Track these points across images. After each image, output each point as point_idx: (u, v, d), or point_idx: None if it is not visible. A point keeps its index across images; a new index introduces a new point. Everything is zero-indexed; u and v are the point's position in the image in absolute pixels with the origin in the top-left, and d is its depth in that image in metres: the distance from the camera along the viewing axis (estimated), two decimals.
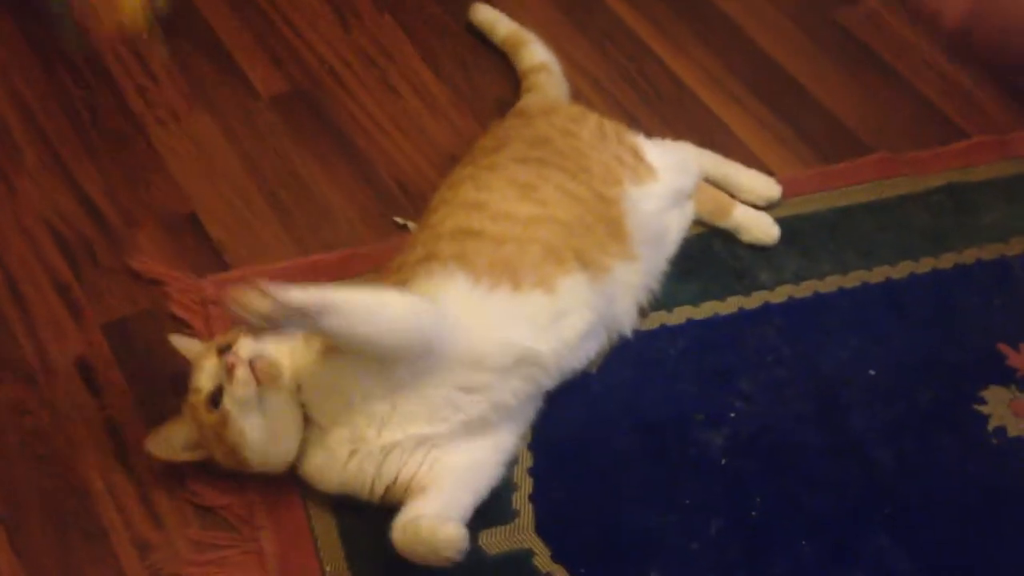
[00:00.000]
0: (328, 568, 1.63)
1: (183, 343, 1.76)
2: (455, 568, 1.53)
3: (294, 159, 2.20)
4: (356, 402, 1.63)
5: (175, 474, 1.71)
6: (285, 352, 1.67)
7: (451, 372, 1.63)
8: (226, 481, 1.69)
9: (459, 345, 1.64)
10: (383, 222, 2.10)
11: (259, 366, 1.61)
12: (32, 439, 1.76)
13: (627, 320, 1.88)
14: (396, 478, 1.63)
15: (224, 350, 1.64)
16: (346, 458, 1.63)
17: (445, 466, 1.63)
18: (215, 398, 1.62)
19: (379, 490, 1.64)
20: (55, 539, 1.66)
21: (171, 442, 1.67)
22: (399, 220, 2.10)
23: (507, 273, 1.70)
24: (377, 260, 1.98)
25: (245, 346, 1.63)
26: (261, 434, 1.62)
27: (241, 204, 2.13)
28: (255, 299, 1.44)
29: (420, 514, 1.53)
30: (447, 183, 1.94)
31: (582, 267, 1.77)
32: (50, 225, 2.08)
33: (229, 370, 1.60)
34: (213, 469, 1.68)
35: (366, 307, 1.58)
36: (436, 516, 1.51)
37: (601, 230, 1.84)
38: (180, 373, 1.74)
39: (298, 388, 1.66)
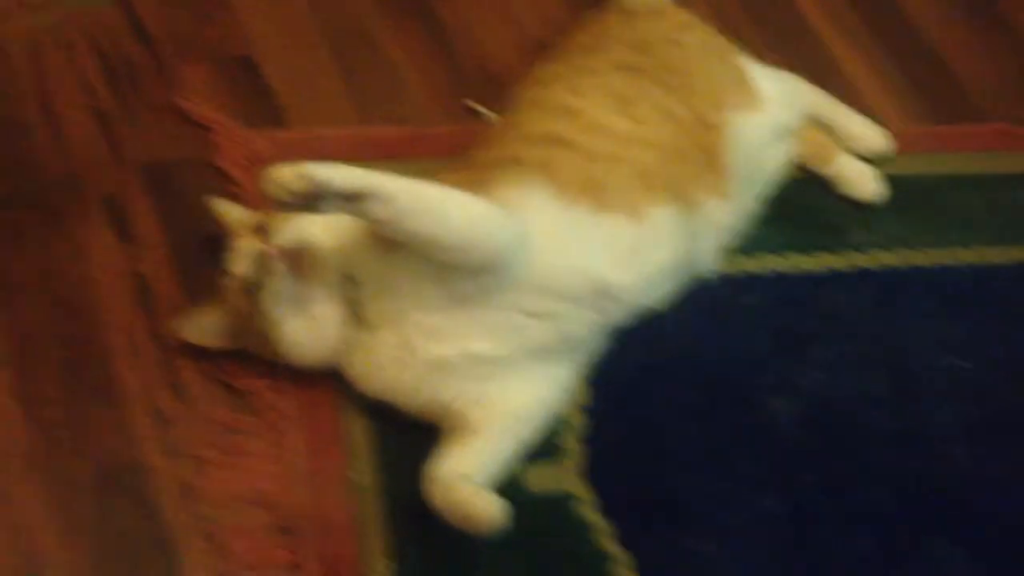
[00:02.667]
0: (356, 475, 1.50)
1: (223, 207, 1.60)
2: None
3: (369, 16, 2.01)
4: (408, 308, 1.47)
5: (203, 348, 1.56)
6: (334, 238, 1.51)
7: (519, 294, 1.48)
8: (259, 365, 1.55)
9: (532, 267, 1.48)
10: (456, 104, 1.93)
11: (297, 256, 1.46)
12: (54, 280, 1.61)
13: (709, 261, 1.73)
14: (440, 401, 1.49)
15: (263, 231, 1.48)
16: (390, 365, 1.49)
17: (496, 406, 1.49)
18: (250, 285, 1.47)
19: (418, 406, 1.50)
20: (66, 393, 1.52)
21: (203, 327, 1.53)
22: (473, 104, 1.92)
23: (594, 193, 1.54)
24: (444, 145, 1.82)
25: (286, 231, 1.48)
26: (297, 328, 1.48)
27: (305, 56, 1.94)
28: (293, 180, 1.30)
29: (459, 470, 1.40)
30: (536, 79, 1.76)
31: (673, 198, 1.62)
32: (94, 41, 1.89)
33: (264, 261, 1.45)
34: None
35: (429, 202, 1.41)
36: (475, 481, 1.38)
37: (697, 158, 1.67)
38: (219, 235, 1.59)
39: (347, 280, 1.50)
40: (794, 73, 1.96)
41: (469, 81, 1.96)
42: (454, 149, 1.74)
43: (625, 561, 1.48)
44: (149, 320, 1.59)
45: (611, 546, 1.49)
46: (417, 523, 1.46)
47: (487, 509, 1.33)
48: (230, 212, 1.60)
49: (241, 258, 1.49)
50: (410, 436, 1.52)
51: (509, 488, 1.50)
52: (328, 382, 1.56)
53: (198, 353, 1.56)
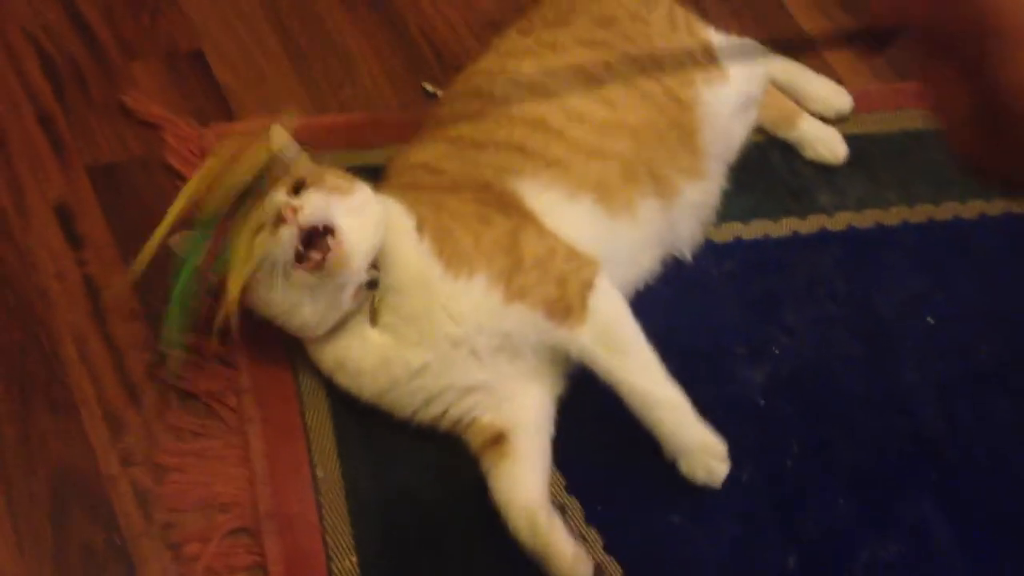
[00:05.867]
0: (320, 473, 1.47)
1: (278, 133, 1.41)
2: (460, 493, 1.43)
3: (318, 2, 1.97)
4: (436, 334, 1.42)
5: (158, 351, 1.52)
6: (370, 224, 1.39)
7: None
8: (215, 365, 1.52)
9: None
10: (411, 88, 1.89)
11: (331, 253, 1.32)
12: (2, 290, 1.57)
13: (688, 244, 1.70)
14: (464, 415, 1.47)
15: (299, 188, 1.35)
16: (409, 376, 1.43)
17: (517, 415, 1.46)
18: (256, 230, 1.34)
19: (427, 417, 1.47)
20: (16, 404, 1.48)
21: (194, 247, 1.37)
22: (428, 87, 1.88)
23: (604, 198, 1.52)
24: (401, 130, 1.77)
25: (317, 202, 1.33)
26: (279, 297, 1.37)
27: (255, 47, 1.90)
28: None
29: (537, 503, 1.39)
30: (500, 48, 1.70)
31: (655, 187, 1.58)
32: (36, 43, 1.85)
33: (276, 222, 1.31)
34: (202, 352, 1.51)
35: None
36: (566, 529, 1.38)
37: (673, 138, 1.63)
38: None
39: (372, 266, 1.40)
40: (756, 37, 1.92)
41: (424, 64, 1.93)
42: (411, 133, 1.70)
43: (600, 544, 1.45)
44: (101, 326, 1.55)
45: (587, 533, 1.46)
46: (383, 516, 1.44)
47: (581, 570, 1.34)
48: (281, 141, 1.40)
49: (268, 203, 1.34)
50: (371, 430, 1.49)
51: (475, 475, 1.48)
52: (288, 378, 1.53)
53: (154, 358, 1.53)
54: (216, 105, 1.82)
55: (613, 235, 1.53)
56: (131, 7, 1.92)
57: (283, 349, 1.54)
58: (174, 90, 1.83)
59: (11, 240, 1.62)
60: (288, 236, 1.31)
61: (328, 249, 1.33)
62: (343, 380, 1.48)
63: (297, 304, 1.39)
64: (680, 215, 1.64)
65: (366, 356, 1.44)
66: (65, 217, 1.65)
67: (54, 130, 1.75)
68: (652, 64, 1.61)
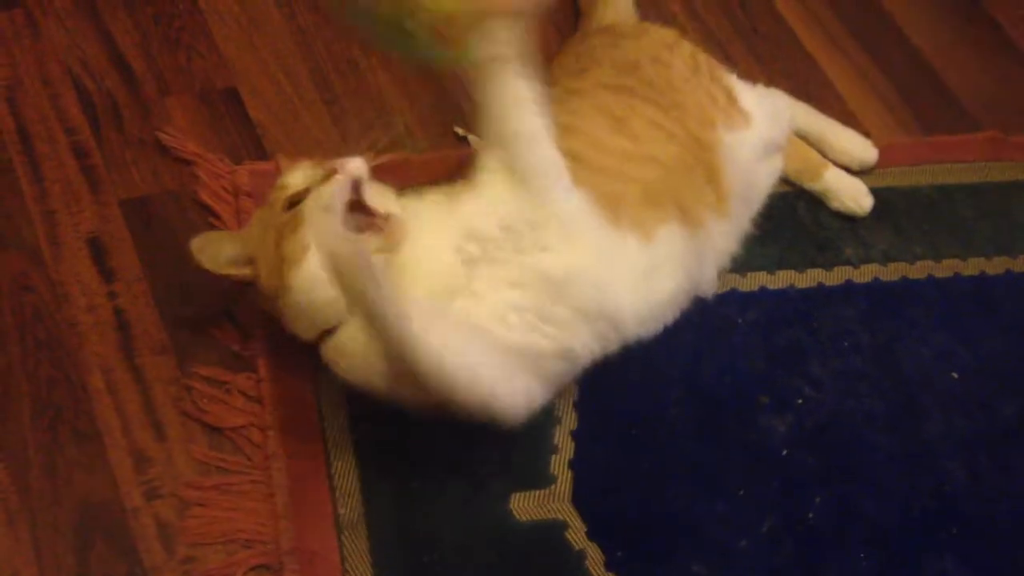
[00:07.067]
0: (343, 510, 1.47)
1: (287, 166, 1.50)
2: (482, 535, 1.40)
3: (352, 43, 1.99)
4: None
5: (184, 385, 1.54)
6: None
7: (535, 290, 1.44)
8: (240, 400, 1.53)
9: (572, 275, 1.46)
10: (443, 129, 1.90)
11: (392, 225, 1.41)
12: (31, 320, 1.59)
13: (709, 286, 1.70)
14: None
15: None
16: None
17: None
18: (297, 199, 1.41)
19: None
20: (43, 434, 1.50)
21: (219, 250, 1.46)
22: (460, 131, 1.90)
23: (612, 209, 1.51)
24: (432, 171, 1.79)
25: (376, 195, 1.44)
26: (321, 265, 1.37)
27: (288, 86, 1.92)
28: None
29: None
30: None
31: (680, 217, 1.59)
32: (75, 78, 1.87)
33: (329, 173, 1.41)
34: (226, 385, 1.53)
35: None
36: None
37: (700, 175, 1.64)
38: (202, 269, 1.56)
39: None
40: (783, 87, 1.94)
41: (454, 105, 1.94)
42: (441, 175, 1.72)
43: None
44: (128, 359, 1.57)
45: (602, 573, 1.46)
46: (404, 555, 1.44)
47: None
48: (294, 174, 1.48)
49: (300, 174, 1.44)
50: (395, 469, 1.50)
51: (497, 517, 1.48)
52: (312, 418, 1.53)
53: (180, 392, 1.54)
54: (249, 143, 1.84)
55: (615, 246, 1.51)
56: (168, 45, 1.94)
57: (309, 386, 1.55)
58: (208, 127, 1.85)
59: (43, 271, 1.64)
60: (342, 179, 1.41)
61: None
62: (355, 373, 1.43)
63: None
64: (705, 248, 1.64)
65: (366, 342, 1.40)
66: (97, 250, 1.67)
67: (89, 163, 1.77)
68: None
